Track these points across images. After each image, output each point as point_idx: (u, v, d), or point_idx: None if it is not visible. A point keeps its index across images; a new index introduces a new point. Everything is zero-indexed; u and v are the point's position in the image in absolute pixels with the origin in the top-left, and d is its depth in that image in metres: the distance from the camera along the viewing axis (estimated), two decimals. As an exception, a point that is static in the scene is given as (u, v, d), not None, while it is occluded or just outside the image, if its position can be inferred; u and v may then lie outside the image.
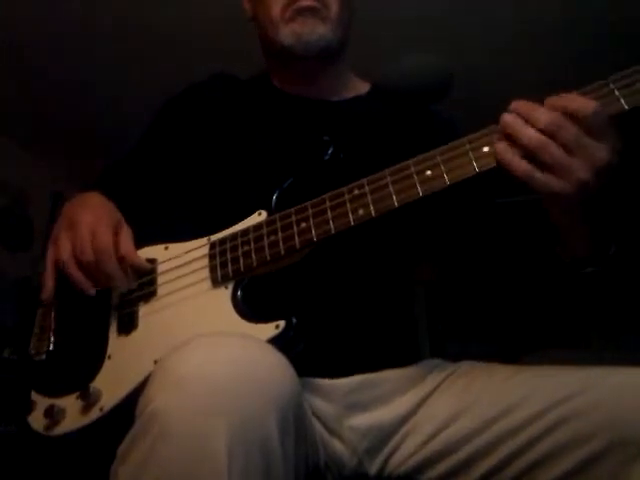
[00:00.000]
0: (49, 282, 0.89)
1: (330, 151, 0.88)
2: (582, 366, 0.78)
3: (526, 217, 0.93)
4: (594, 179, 0.67)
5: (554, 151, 0.67)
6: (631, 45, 2.50)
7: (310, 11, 0.99)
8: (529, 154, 0.69)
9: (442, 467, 0.79)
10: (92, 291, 0.86)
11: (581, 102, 0.68)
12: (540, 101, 0.71)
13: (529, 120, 0.69)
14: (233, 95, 1.11)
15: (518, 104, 0.71)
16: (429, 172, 0.75)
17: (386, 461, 0.83)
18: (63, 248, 0.87)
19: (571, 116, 0.67)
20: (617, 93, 0.68)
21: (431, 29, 2.50)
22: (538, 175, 0.68)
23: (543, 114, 0.68)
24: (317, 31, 0.99)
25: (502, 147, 0.71)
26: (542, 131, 0.68)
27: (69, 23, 2.41)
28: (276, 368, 0.63)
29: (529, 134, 0.69)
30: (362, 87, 1.13)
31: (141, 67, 2.66)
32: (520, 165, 0.69)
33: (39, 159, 3.24)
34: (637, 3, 2.34)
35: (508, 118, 0.71)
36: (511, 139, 0.70)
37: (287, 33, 1.00)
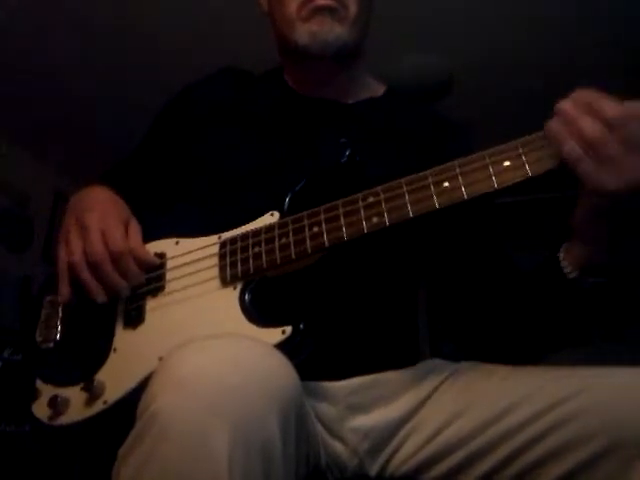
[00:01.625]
0: (65, 287, 0.88)
1: (347, 154, 0.86)
2: (582, 366, 0.78)
3: (528, 217, 0.92)
4: None
5: (612, 145, 0.64)
6: (631, 45, 2.50)
7: (328, 10, 0.96)
8: (585, 145, 0.66)
9: (443, 467, 0.79)
10: (102, 298, 0.86)
11: None
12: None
13: (592, 109, 0.65)
14: (246, 92, 1.09)
15: (580, 92, 0.67)
16: (447, 184, 0.74)
17: (387, 461, 0.83)
18: (74, 249, 0.87)
19: None
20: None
21: (431, 29, 2.50)
22: (589, 164, 0.65)
23: (609, 105, 0.65)
24: (334, 31, 0.96)
25: (555, 126, 0.67)
26: (605, 121, 0.64)
27: (69, 23, 2.41)
28: (278, 369, 0.63)
29: (588, 125, 0.65)
30: (378, 89, 1.11)
31: (141, 67, 2.66)
32: (573, 149, 0.66)
33: (40, 159, 3.24)
34: (637, 3, 2.33)
35: (566, 105, 0.67)
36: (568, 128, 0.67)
37: (303, 32, 0.97)
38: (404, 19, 2.42)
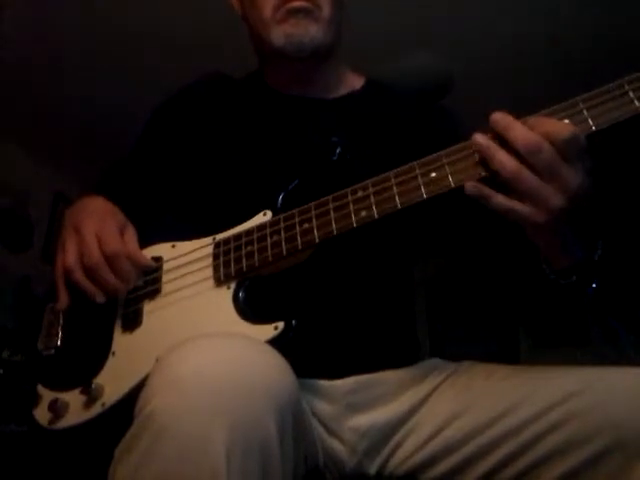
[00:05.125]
0: (62, 293, 0.89)
1: (338, 152, 0.88)
2: (581, 366, 0.78)
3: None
4: (568, 204, 0.66)
5: (528, 179, 0.66)
6: (630, 47, 2.50)
7: (302, 12, 0.98)
8: (502, 180, 0.67)
9: (442, 467, 0.79)
10: (100, 298, 0.86)
11: (560, 125, 0.66)
12: (519, 116, 0.68)
13: (506, 139, 0.67)
14: (230, 96, 1.10)
15: (496, 118, 0.69)
16: (434, 174, 0.74)
17: (386, 461, 0.84)
18: (69, 254, 0.88)
19: (549, 138, 0.65)
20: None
21: (431, 29, 2.50)
22: (516, 205, 0.67)
23: (520, 134, 0.66)
24: (309, 32, 0.98)
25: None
26: (518, 153, 0.66)
27: (69, 25, 2.41)
28: (275, 369, 0.63)
29: (504, 161, 0.67)
30: (357, 82, 1.12)
31: (141, 68, 2.66)
32: (495, 197, 0.68)
33: (40, 160, 3.24)
34: (636, 5, 2.34)
35: (481, 140, 0.69)
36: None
37: (279, 34, 0.98)
38: (404, 19, 2.42)
